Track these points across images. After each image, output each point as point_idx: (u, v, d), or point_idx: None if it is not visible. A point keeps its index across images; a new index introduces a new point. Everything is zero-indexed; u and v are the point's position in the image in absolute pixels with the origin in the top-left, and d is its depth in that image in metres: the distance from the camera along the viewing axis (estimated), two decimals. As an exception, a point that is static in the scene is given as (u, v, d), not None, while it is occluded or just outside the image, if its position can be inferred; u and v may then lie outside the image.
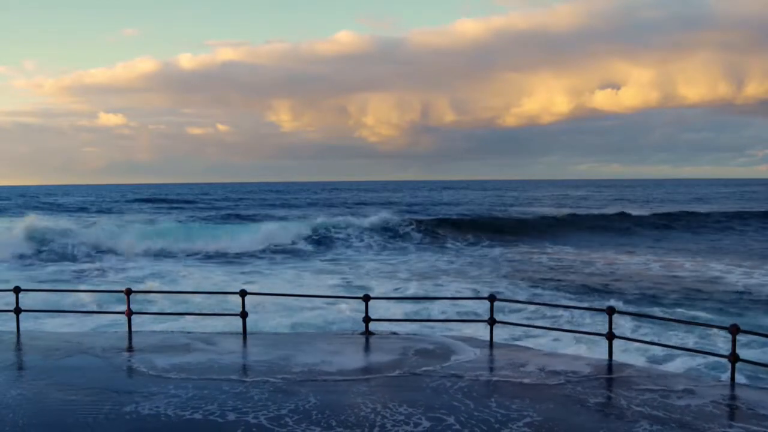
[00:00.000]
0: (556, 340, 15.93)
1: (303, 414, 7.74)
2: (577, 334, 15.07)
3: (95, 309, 19.50)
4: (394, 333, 12.64)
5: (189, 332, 13.30)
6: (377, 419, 7.56)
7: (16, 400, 8.35)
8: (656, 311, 20.48)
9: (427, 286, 26.29)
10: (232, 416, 7.72)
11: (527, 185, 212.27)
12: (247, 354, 11.07)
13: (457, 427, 7.28)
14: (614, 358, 10.32)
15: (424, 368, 9.84)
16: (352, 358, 10.64)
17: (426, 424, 7.39)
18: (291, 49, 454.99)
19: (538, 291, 25.29)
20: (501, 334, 12.83)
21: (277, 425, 7.39)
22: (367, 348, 11.33)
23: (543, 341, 15.52)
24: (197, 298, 20.81)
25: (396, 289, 25.80)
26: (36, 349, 11.40)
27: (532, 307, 19.54)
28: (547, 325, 16.66)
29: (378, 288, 25.91)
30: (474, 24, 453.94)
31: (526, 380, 9.19)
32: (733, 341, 8.98)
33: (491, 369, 9.99)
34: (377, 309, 16.33)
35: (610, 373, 9.71)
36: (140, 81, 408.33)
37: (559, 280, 28.01)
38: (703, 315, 20.09)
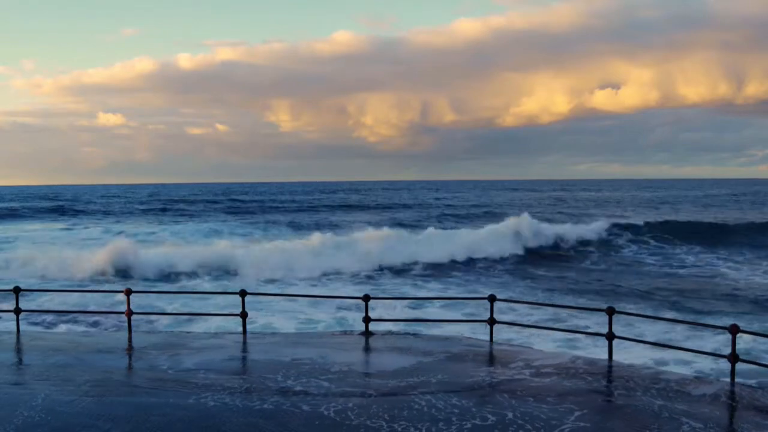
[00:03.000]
0: (556, 339, 15.97)
1: (363, 408, 7.87)
2: (579, 334, 15.09)
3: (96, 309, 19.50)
4: (391, 332, 12.73)
5: (189, 332, 13.32)
6: (440, 413, 7.68)
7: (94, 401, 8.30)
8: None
9: None
10: (306, 407, 7.84)
11: (559, 185, 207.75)
12: (278, 353, 10.92)
13: (520, 422, 7.41)
14: (614, 357, 10.34)
15: (445, 366, 9.91)
16: (385, 358, 10.67)
17: (492, 418, 7.53)
18: (289, 48, 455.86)
19: None
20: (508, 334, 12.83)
21: (344, 417, 7.53)
22: (385, 348, 11.30)
23: (543, 341, 15.56)
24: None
25: None
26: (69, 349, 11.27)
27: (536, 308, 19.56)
28: (549, 326, 16.68)
29: None
30: (472, 24, 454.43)
31: (545, 379, 9.24)
32: (733, 341, 9.00)
33: (505, 368, 9.99)
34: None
35: (615, 372, 9.75)
36: (139, 81, 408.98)
37: None
38: None
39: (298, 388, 8.70)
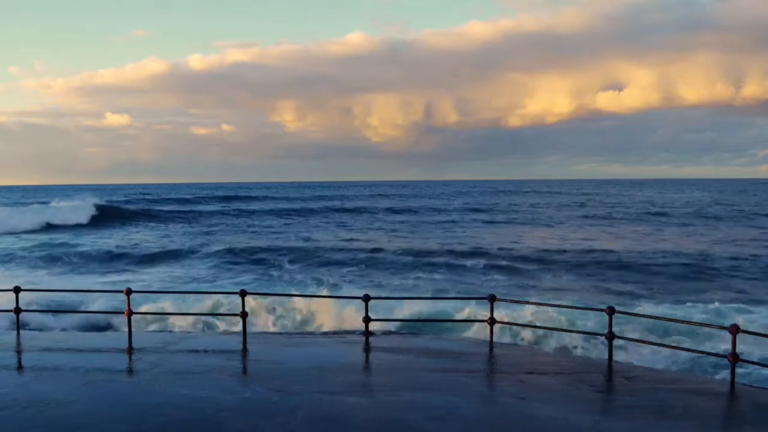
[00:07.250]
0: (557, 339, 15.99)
1: (366, 406, 8.00)
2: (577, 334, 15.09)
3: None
4: (392, 332, 12.75)
5: (188, 332, 13.31)
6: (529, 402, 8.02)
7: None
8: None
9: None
10: (307, 407, 7.91)
11: (568, 185, 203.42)
12: (278, 352, 10.95)
13: (568, 419, 7.47)
14: (614, 357, 10.34)
15: (450, 365, 10.00)
16: (385, 357, 10.76)
17: (536, 414, 7.67)
18: (301, 50, 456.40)
19: None
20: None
21: (346, 416, 7.65)
22: (387, 348, 11.35)
23: (544, 341, 15.58)
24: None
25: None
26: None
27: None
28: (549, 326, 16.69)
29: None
30: (483, 26, 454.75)
31: (557, 377, 9.32)
32: (733, 341, 8.98)
33: (511, 367, 10.00)
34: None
35: (619, 371, 9.76)
36: (149, 82, 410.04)
37: None
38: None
39: (297, 388, 8.71)
